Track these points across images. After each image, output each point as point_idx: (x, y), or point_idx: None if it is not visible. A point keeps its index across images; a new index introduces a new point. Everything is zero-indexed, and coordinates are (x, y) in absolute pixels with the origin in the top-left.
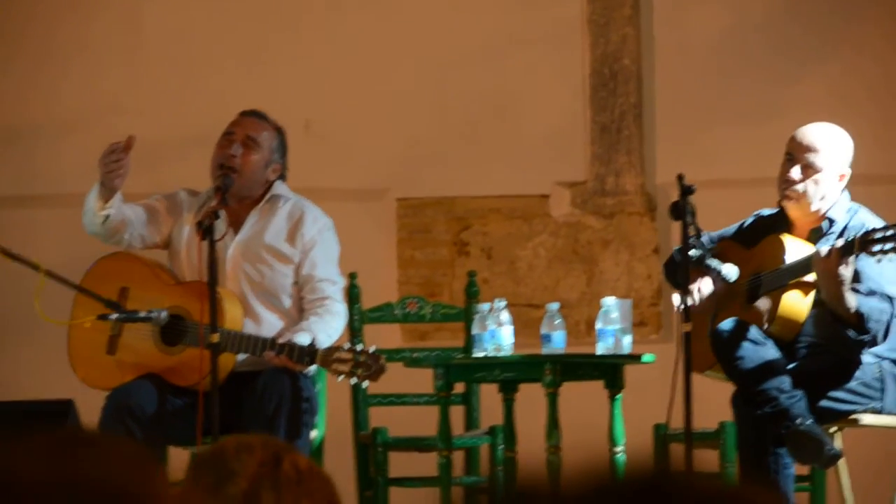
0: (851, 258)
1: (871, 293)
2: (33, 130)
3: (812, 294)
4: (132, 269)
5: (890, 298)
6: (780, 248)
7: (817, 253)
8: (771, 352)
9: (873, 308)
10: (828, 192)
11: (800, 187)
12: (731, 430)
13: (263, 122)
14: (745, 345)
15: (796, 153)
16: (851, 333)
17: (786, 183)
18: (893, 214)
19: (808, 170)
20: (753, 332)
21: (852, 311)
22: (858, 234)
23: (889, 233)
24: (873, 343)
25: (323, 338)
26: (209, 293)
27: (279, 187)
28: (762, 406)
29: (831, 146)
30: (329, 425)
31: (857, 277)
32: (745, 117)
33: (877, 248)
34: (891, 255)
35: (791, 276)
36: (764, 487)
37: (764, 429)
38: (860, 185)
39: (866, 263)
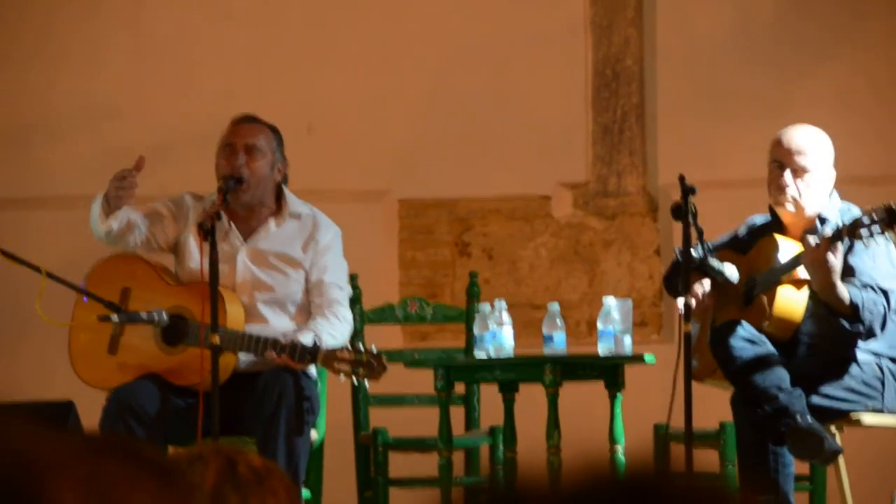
0: (840, 245)
1: (866, 287)
2: (33, 132)
3: (806, 289)
4: (134, 270)
5: (884, 292)
6: (774, 248)
7: (806, 243)
8: (768, 350)
9: (867, 298)
10: (820, 193)
11: (794, 191)
12: (731, 431)
13: (259, 126)
14: (743, 344)
15: (784, 158)
16: (845, 324)
17: (779, 189)
18: None
19: (800, 172)
20: (751, 331)
21: (846, 301)
22: (847, 222)
23: (875, 216)
24: (870, 334)
25: (327, 338)
26: (210, 293)
27: (293, 202)
28: (762, 404)
29: (817, 147)
30: (329, 425)
31: (851, 273)
32: (747, 118)
33: (864, 231)
34: (878, 238)
35: (783, 272)
36: (763, 490)
37: (764, 429)
38: (863, 185)
39: (860, 259)
